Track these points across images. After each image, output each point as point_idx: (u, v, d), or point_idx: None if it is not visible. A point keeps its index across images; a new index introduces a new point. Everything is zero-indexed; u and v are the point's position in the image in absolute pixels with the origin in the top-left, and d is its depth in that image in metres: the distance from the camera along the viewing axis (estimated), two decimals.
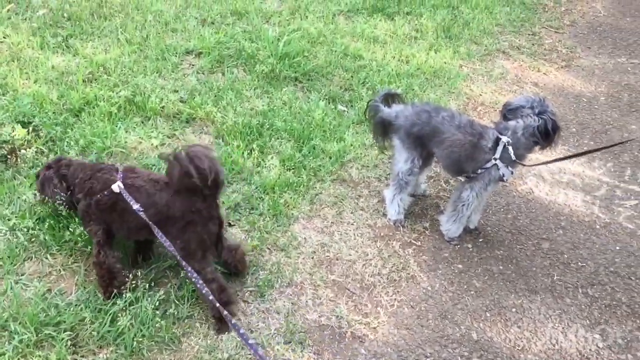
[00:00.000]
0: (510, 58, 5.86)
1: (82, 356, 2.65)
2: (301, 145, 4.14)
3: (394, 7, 6.34)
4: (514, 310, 3.24)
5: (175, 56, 4.87)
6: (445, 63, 5.50)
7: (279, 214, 3.59)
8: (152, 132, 4.04)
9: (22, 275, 2.92)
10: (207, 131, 4.18)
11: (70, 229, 3.03)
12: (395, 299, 3.22)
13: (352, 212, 3.74)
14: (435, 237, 3.69)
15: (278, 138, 4.18)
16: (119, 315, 2.76)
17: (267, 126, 4.23)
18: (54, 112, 3.90)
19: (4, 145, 3.49)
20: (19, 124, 3.62)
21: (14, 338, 2.61)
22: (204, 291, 2.51)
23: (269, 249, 3.38)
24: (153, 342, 2.74)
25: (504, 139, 3.28)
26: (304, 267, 3.30)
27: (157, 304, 2.83)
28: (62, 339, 2.62)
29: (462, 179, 3.53)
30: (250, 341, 2.25)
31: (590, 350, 3.06)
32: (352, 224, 3.66)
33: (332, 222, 3.64)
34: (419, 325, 3.09)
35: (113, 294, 2.83)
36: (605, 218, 3.99)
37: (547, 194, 4.17)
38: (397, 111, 3.58)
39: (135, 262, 3.06)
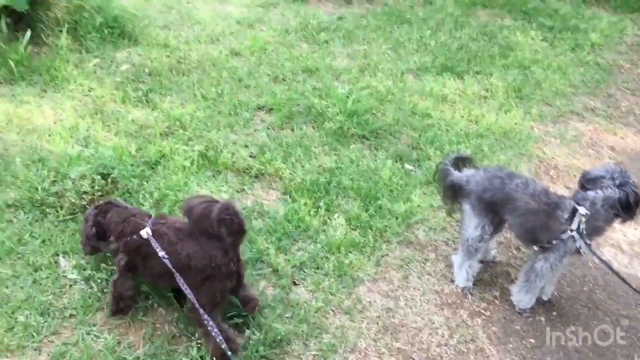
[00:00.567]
0: (584, 120, 5.69)
1: None
2: (367, 204, 4.12)
3: (464, 66, 6.34)
4: None
5: (247, 112, 5.01)
6: (515, 124, 5.41)
7: (344, 275, 3.55)
8: (222, 186, 4.13)
9: (93, 326, 2.99)
10: (275, 187, 4.23)
11: (140, 283, 3.11)
12: None
13: (418, 277, 3.66)
14: (505, 307, 3.54)
15: (345, 196, 4.18)
16: None
17: (334, 184, 4.25)
18: (132, 165, 4.06)
19: (84, 195, 3.65)
20: (99, 175, 3.78)
21: None
22: (218, 339, 2.62)
23: (333, 310, 3.33)
24: None
25: (582, 210, 3.15)
26: (368, 333, 3.23)
27: None
28: None
29: (535, 248, 3.40)
30: None
31: None
32: (418, 289, 3.57)
33: (398, 286, 3.57)
34: None
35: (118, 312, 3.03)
36: None
37: (626, 266, 3.95)
38: (468, 175, 3.51)
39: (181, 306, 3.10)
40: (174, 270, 2.76)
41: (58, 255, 3.35)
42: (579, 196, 3.23)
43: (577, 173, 4.74)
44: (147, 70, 5.39)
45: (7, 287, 3.13)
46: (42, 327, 2.94)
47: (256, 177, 4.29)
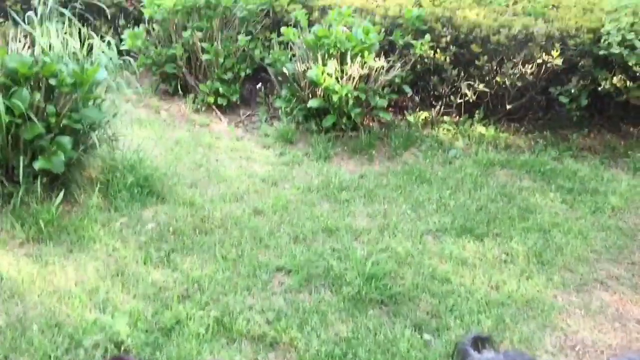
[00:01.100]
0: (609, 289, 5.56)
1: None
2: None
3: (483, 227, 6.38)
4: None
5: (266, 274, 5.05)
6: (538, 291, 5.30)
7: None
8: (236, 355, 4.05)
9: None
10: (290, 358, 4.14)
11: None
12: None
13: None
14: None
15: None
16: None
17: (350, 356, 4.14)
18: (146, 331, 4.05)
19: None
20: (112, 344, 3.76)
21: None
22: None
23: None
24: None
25: None
26: None
27: None
28: None
29: None
30: None
31: None
32: None
33: None
34: None
35: None
36: None
37: None
38: (488, 359, 3.40)
39: None
40: None
41: None
42: None
43: (605, 349, 4.58)
44: (171, 229, 5.55)
45: None
46: None
47: (271, 345, 4.22)
